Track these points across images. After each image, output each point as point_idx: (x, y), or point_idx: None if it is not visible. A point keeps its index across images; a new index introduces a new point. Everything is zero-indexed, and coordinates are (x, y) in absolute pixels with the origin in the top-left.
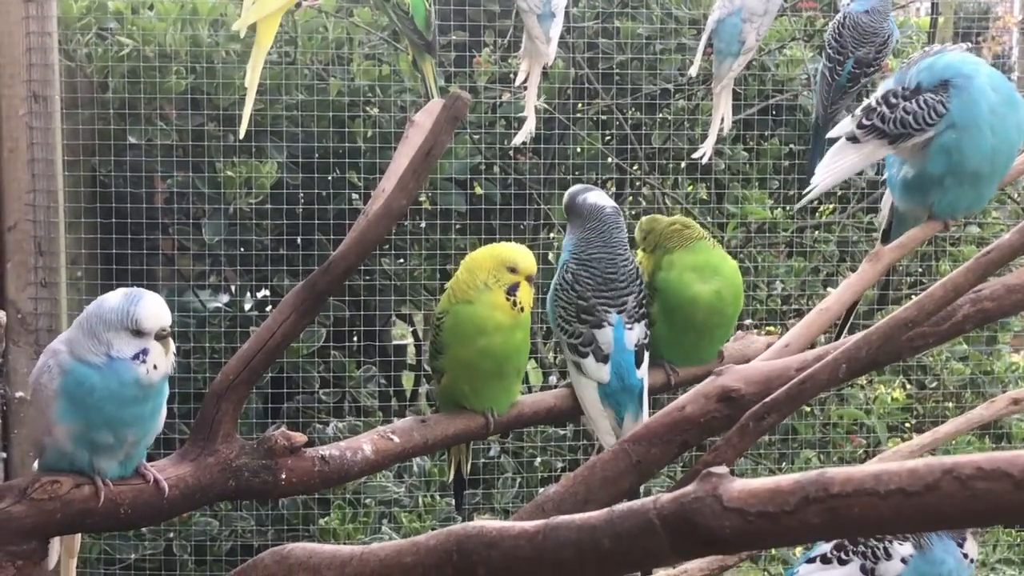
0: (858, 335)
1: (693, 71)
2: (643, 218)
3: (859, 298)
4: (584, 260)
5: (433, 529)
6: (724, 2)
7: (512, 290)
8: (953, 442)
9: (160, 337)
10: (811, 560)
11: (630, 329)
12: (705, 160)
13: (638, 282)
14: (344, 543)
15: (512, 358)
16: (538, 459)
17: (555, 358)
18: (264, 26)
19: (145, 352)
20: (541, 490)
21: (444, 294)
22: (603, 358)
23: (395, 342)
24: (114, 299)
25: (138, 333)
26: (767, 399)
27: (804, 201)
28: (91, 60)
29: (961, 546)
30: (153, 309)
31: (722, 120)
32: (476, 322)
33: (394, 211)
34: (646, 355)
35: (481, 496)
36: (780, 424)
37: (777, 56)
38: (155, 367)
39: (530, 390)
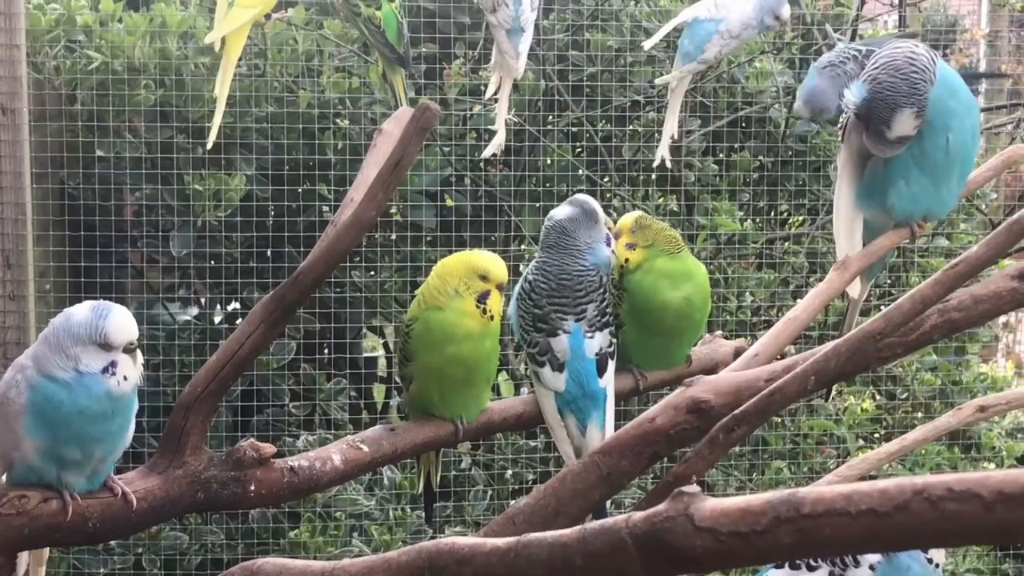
0: (827, 347)
1: (648, 44)
2: (629, 215)
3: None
4: (540, 268)
5: (404, 542)
6: (710, 6)
7: (483, 298)
8: (923, 451)
9: (128, 350)
10: (779, 566)
11: (590, 337)
12: (657, 163)
13: (601, 291)
14: (314, 557)
15: (481, 366)
16: (509, 471)
17: (526, 369)
18: (233, 38)
19: (114, 365)
20: (512, 502)
21: (414, 300)
22: (559, 367)
23: (366, 354)
24: (81, 313)
25: (107, 347)
26: (737, 411)
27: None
28: (59, 73)
29: (926, 552)
30: (121, 322)
31: (678, 127)
32: (446, 329)
33: (363, 222)
34: (611, 364)
35: (452, 509)
36: (750, 435)
37: (747, 69)
38: (124, 379)
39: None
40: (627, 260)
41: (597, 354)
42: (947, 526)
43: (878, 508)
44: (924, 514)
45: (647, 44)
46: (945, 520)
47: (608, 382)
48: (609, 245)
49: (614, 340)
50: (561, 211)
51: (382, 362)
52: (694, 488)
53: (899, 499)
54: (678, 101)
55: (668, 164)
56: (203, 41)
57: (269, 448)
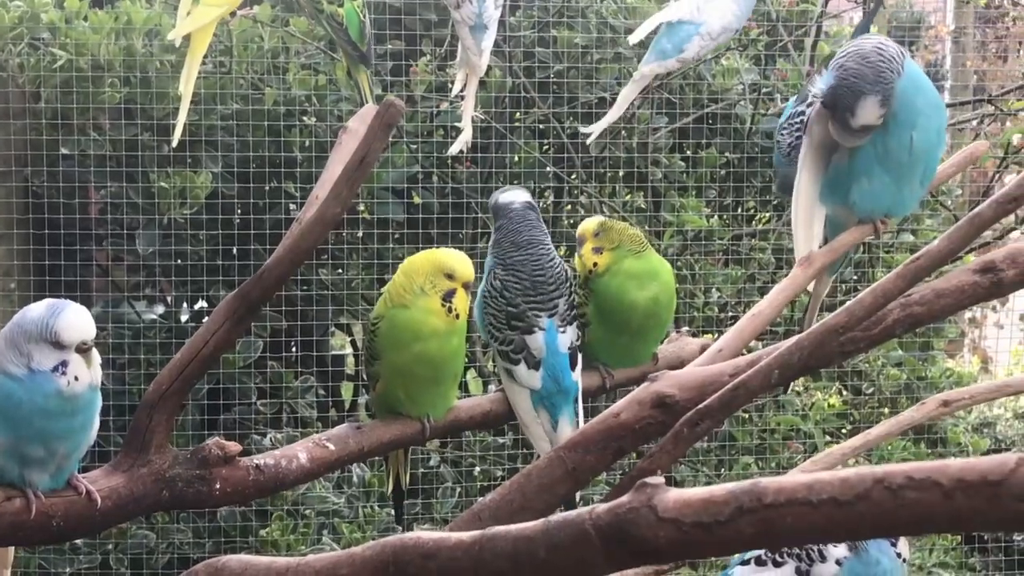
0: (790, 341)
1: (634, 40)
2: (591, 220)
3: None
4: (510, 265)
5: (374, 539)
6: (692, 9)
7: (448, 296)
8: (889, 447)
9: (81, 350)
10: (746, 562)
11: (563, 332)
12: (591, 141)
13: (567, 284)
14: (284, 554)
15: (448, 364)
16: (477, 468)
17: (494, 367)
18: (198, 35)
19: (65, 364)
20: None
21: (380, 298)
22: (535, 364)
23: (334, 352)
24: (36, 310)
25: (58, 345)
26: (701, 405)
27: None
28: (24, 71)
29: (895, 546)
30: (73, 321)
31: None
32: (411, 327)
33: (328, 219)
34: (579, 357)
35: (421, 506)
36: (718, 431)
37: (713, 66)
38: (76, 379)
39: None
40: (595, 264)
41: (569, 348)
42: (907, 514)
43: (839, 497)
44: (885, 503)
45: (632, 39)
46: (905, 508)
47: (579, 376)
48: None
49: (580, 334)
50: (512, 195)
51: (350, 360)
52: (657, 479)
53: (860, 488)
54: (634, 93)
55: (591, 140)
56: (168, 38)
57: (234, 446)
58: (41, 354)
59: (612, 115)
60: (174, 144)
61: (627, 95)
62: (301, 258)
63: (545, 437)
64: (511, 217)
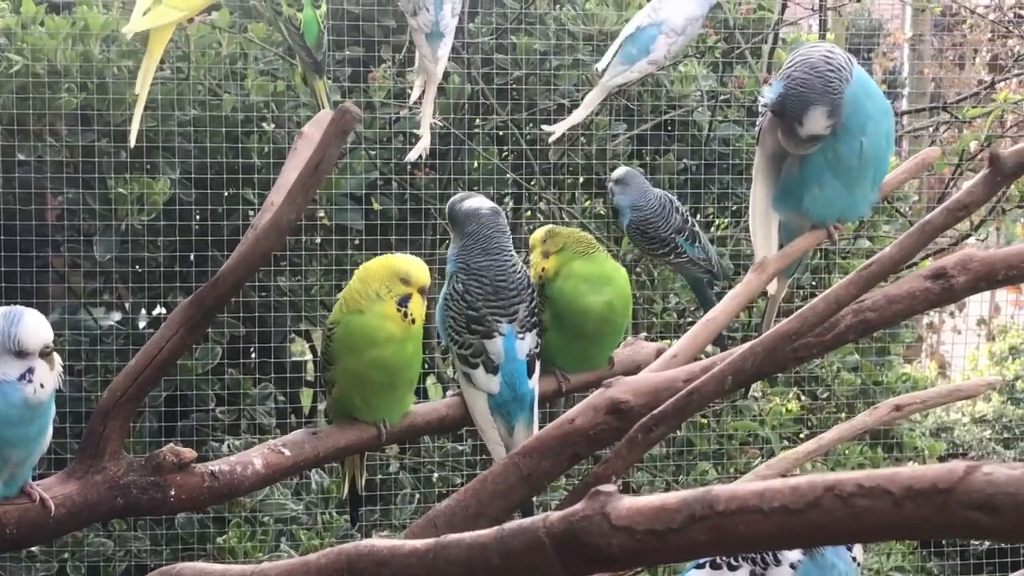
0: (743, 347)
1: (600, 65)
2: (539, 229)
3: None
4: (473, 270)
5: (331, 547)
6: (649, 12)
7: (404, 301)
8: (845, 451)
9: (44, 354)
10: (700, 566)
11: (521, 339)
12: (553, 139)
13: (529, 290)
14: (241, 561)
15: (403, 369)
16: (436, 474)
17: (454, 372)
18: (156, 35)
19: (31, 371)
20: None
21: (336, 304)
22: (493, 369)
23: (293, 359)
24: None
25: (22, 354)
26: (655, 411)
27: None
28: None
29: (850, 549)
30: (34, 327)
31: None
32: (367, 332)
33: (283, 225)
34: (538, 364)
35: (380, 513)
36: (676, 436)
37: (672, 73)
38: (42, 386)
39: None
40: (544, 269)
41: (528, 355)
42: (858, 522)
43: (790, 505)
44: (835, 511)
45: (600, 66)
46: (856, 516)
47: (536, 383)
48: None
49: (539, 341)
50: (477, 202)
51: (310, 366)
52: (611, 487)
53: (810, 496)
54: (599, 98)
55: (552, 139)
56: (122, 31)
57: (189, 453)
58: (5, 364)
59: (576, 116)
60: (131, 145)
61: (593, 98)
62: (256, 264)
63: (500, 442)
64: (482, 223)
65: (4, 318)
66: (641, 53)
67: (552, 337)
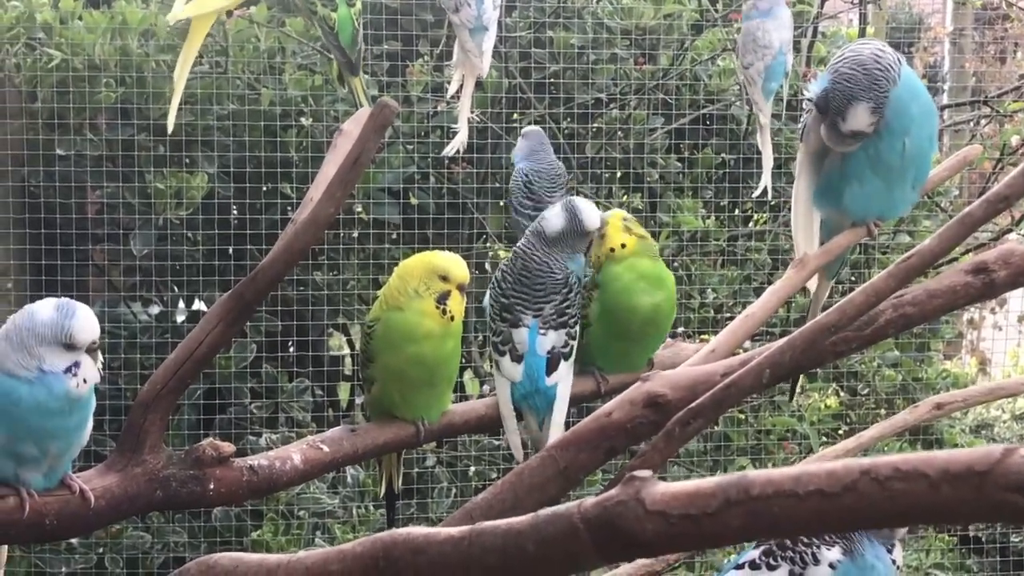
0: (781, 340)
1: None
2: (615, 210)
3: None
4: (511, 259)
5: None
6: (761, 50)
7: (443, 298)
8: (884, 448)
9: (91, 350)
10: (739, 566)
11: (543, 335)
12: (758, 194)
13: (566, 291)
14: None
15: (442, 366)
16: (472, 469)
17: (490, 366)
18: (197, 23)
19: (77, 365)
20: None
21: (376, 301)
22: (517, 358)
23: (331, 353)
24: (46, 312)
25: (71, 347)
26: (692, 404)
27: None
28: (20, 71)
29: (890, 552)
30: (87, 322)
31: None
32: (406, 329)
33: (321, 220)
34: (562, 363)
35: (416, 507)
36: (713, 431)
37: (710, 67)
38: (84, 381)
39: (466, 399)
40: (623, 245)
41: (549, 352)
42: (894, 505)
43: (826, 489)
44: (872, 494)
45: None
46: (892, 500)
47: (559, 380)
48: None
49: (571, 341)
50: (553, 217)
51: (348, 361)
52: (646, 472)
53: (847, 479)
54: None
55: (761, 189)
56: (165, 18)
57: (228, 447)
58: (53, 356)
59: (768, 162)
60: (169, 129)
61: (766, 142)
62: (295, 259)
63: (517, 431)
64: (533, 226)
65: (57, 310)
66: (780, 79)
67: (595, 333)
